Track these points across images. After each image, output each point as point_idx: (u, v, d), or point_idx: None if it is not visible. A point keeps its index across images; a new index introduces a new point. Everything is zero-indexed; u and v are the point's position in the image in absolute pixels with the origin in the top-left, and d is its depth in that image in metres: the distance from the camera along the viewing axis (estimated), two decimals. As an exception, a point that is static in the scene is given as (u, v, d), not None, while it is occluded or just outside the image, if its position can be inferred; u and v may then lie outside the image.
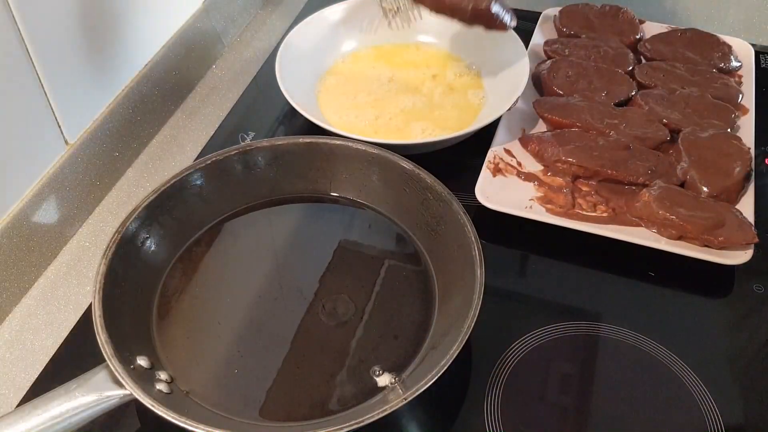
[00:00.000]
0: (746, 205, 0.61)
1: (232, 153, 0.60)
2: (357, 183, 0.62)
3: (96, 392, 0.44)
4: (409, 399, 0.44)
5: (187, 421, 0.42)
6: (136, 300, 0.53)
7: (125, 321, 0.50)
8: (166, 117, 0.76)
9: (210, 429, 0.42)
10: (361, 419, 0.43)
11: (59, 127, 0.61)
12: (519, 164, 0.67)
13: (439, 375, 0.44)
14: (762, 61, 0.81)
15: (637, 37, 0.81)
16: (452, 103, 0.74)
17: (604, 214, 0.62)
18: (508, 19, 0.66)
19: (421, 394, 0.44)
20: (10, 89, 0.55)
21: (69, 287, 0.60)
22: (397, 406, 0.43)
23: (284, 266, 0.59)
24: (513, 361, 0.53)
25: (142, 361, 0.49)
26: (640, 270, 0.60)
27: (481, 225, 0.54)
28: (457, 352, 0.45)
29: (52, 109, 0.60)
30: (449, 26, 0.73)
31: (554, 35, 0.83)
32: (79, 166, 0.64)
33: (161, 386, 0.48)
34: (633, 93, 0.72)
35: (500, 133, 0.69)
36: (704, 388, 0.52)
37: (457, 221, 0.54)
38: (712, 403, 0.51)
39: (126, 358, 0.47)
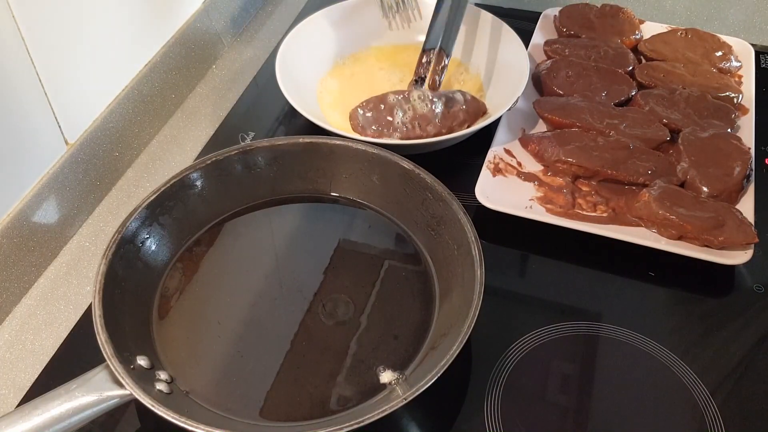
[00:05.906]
0: (746, 205, 0.61)
1: (232, 153, 0.60)
2: (357, 183, 0.62)
3: (96, 392, 0.44)
4: (409, 399, 0.44)
5: (187, 421, 0.42)
6: (136, 300, 0.53)
7: (125, 321, 0.50)
8: (166, 117, 0.76)
9: (210, 429, 0.42)
10: (361, 419, 0.43)
11: (59, 127, 0.61)
12: (519, 164, 0.67)
13: (439, 375, 0.44)
14: (762, 61, 0.81)
15: (637, 37, 0.81)
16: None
17: (604, 214, 0.62)
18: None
19: (421, 394, 0.44)
20: (10, 89, 0.55)
21: (69, 287, 0.60)
22: (397, 407, 0.43)
23: (284, 266, 0.59)
24: (513, 361, 0.53)
25: (142, 361, 0.49)
26: (640, 270, 0.60)
27: (481, 225, 0.54)
28: (457, 352, 0.45)
29: (52, 109, 0.60)
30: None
31: (554, 35, 0.83)
32: (79, 166, 0.64)
33: (161, 386, 0.48)
34: (633, 93, 0.72)
35: (500, 133, 0.69)
36: (704, 388, 0.52)
37: (457, 221, 0.54)
38: (712, 403, 0.51)
39: (126, 358, 0.47)
